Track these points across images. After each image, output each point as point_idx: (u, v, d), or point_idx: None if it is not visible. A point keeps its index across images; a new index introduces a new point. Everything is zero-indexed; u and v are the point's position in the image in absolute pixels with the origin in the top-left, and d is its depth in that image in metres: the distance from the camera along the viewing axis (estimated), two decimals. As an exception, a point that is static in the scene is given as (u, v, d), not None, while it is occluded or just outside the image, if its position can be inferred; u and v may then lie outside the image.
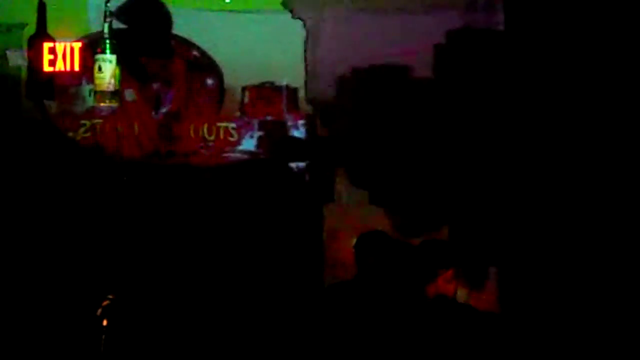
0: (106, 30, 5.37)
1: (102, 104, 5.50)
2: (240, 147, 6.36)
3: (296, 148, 6.34)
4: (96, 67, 5.42)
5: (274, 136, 6.35)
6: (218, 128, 6.37)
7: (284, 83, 6.36)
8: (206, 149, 6.35)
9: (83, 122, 6.37)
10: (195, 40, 6.44)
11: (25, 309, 5.92)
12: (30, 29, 6.15)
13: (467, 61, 6.27)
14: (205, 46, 6.43)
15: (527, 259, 6.01)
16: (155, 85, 6.42)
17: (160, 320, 5.85)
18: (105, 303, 5.11)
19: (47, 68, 6.04)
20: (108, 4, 5.29)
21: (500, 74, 6.17)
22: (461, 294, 5.61)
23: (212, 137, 6.36)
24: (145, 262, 6.09)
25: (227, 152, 6.35)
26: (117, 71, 5.39)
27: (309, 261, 6.17)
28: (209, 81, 6.44)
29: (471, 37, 6.29)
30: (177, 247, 6.19)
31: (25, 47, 6.17)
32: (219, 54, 6.42)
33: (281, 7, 6.38)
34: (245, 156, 6.34)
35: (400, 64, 6.35)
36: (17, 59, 6.35)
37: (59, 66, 6.05)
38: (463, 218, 6.22)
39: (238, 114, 6.38)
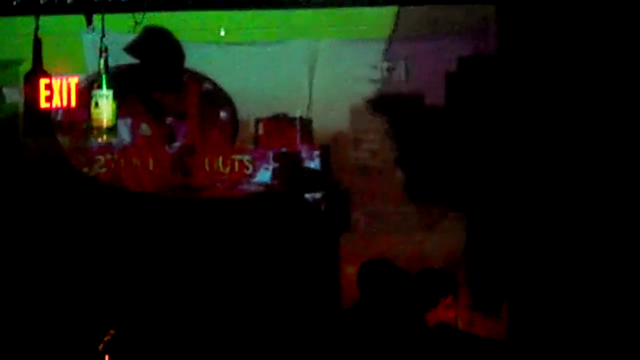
0: (102, 66, 5.34)
1: (99, 140, 5.47)
2: (256, 180, 6.35)
3: (311, 179, 6.33)
4: (93, 102, 5.37)
5: (289, 168, 6.35)
6: (233, 161, 6.36)
7: (298, 114, 6.37)
8: (221, 182, 6.34)
9: (98, 157, 6.38)
10: (208, 73, 6.46)
11: (29, 343, 5.91)
12: (27, 65, 6.09)
13: (471, 86, 6.28)
14: (217, 79, 6.45)
15: (538, 288, 5.98)
16: (169, 120, 6.43)
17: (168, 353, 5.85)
18: (107, 338, 5.09)
19: (43, 104, 6.00)
20: (103, 40, 5.28)
21: (498, 96, 6.17)
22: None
23: (227, 170, 6.35)
24: (164, 294, 6.09)
25: (242, 184, 6.34)
26: (114, 107, 5.35)
27: (326, 290, 6.14)
28: (223, 114, 6.44)
29: (471, 63, 6.30)
30: (194, 280, 6.18)
31: (21, 83, 6.11)
32: (232, 86, 6.43)
33: (293, 37, 6.40)
34: (261, 188, 6.34)
35: (411, 91, 6.37)
36: (14, 95, 6.37)
37: (56, 102, 6.02)
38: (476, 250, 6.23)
39: (252, 146, 6.39)
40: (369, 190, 6.38)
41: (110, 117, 5.25)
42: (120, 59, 6.22)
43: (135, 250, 6.21)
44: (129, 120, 6.38)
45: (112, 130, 5.25)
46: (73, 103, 6.05)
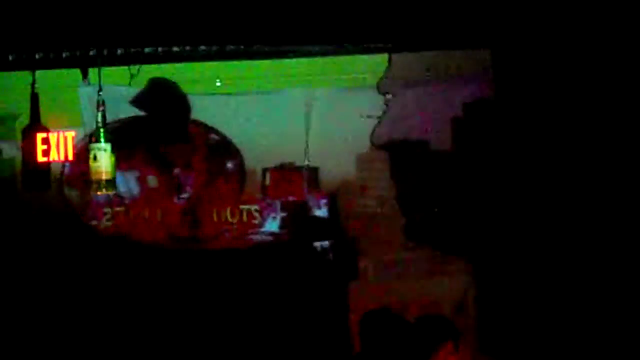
0: (99, 119, 5.36)
1: (98, 193, 5.48)
2: (264, 229, 6.37)
3: (319, 227, 6.34)
4: (91, 156, 5.40)
5: (297, 216, 6.36)
6: (241, 211, 6.38)
7: (305, 163, 6.39)
8: (230, 232, 6.35)
9: (106, 210, 6.40)
10: (213, 124, 6.49)
11: None
12: (24, 120, 6.13)
13: (472, 130, 6.31)
14: (223, 130, 6.49)
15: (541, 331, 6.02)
16: (176, 171, 6.45)
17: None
18: None
19: (40, 158, 6.02)
20: (100, 93, 5.31)
21: (499, 139, 6.21)
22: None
23: (236, 220, 6.37)
24: (174, 346, 6.08)
25: (250, 234, 6.35)
26: (112, 159, 5.37)
27: (336, 339, 6.12)
28: (229, 164, 6.47)
29: (472, 107, 6.34)
30: (203, 330, 6.17)
31: (19, 138, 6.15)
32: (238, 136, 6.46)
33: (290, 86, 6.44)
34: (269, 238, 6.35)
35: (418, 136, 6.40)
36: (12, 150, 6.38)
37: (53, 156, 6.03)
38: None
39: (260, 195, 6.40)
40: (376, 237, 6.39)
41: (109, 169, 5.28)
42: (118, 111, 6.24)
43: (143, 302, 6.20)
44: (136, 172, 6.41)
45: (111, 182, 5.28)
46: (70, 157, 6.05)
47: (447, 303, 6.29)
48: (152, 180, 6.43)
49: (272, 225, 6.36)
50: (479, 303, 6.28)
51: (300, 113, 6.36)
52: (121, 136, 6.43)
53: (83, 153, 6.33)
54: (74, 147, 6.07)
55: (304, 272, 6.25)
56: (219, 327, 6.17)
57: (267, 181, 6.42)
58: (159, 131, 6.47)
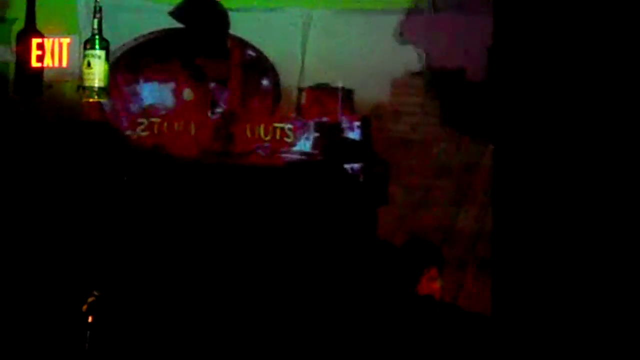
0: (95, 26, 5.35)
1: (90, 100, 5.50)
2: (296, 148, 6.39)
3: (351, 150, 6.36)
4: (85, 62, 5.39)
5: (330, 137, 6.38)
6: (274, 129, 6.40)
7: (340, 85, 6.38)
8: (262, 149, 6.39)
9: (140, 120, 6.43)
10: (251, 40, 6.47)
11: (11, 304, 5.97)
12: (19, 25, 6.09)
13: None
14: (260, 46, 6.47)
15: (522, 261, 6.04)
16: (211, 85, 6.46)
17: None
18: (90, 299, 5.11)
19: (35, 64, 6.02)
20: (97, 0, 5.31)
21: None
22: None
23: (269, 138, 6.39)
24: (201, 260, 6.14)
25: (283, 152, 6.38)
26: (106, 67, 5.38)
27: (363, 262, 6.18)
28: (265, 82, 6.47)
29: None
30: (228, 246, 6.23)
31: (13, 42, 6.14)
32: (275, 54, 6.45)
33: (334, 6, 6.41)
34: (301, 157, 6.37)
35: (457, 66, 6.38)
36: (5, 54, 6.39)
37: (47, 62, 6.06)
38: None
39: (294, 115, 6.42)
40: (407, 163, 6.41)
41: (102, 77, 5.27)
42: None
43: (172, 214, 6.26)
44: (171, 85, 6.44)
45: (103, 90, 5.29)
46: (65, 63, 6.06)
47: (471, 232, 6.33)
48: (188, 94, 6.44)
49: (304, 144, 6.39)
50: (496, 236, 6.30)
51: (339, 35, 6.35)
52: (156, 48, 6.48)
53: (120, 63, 6.40)
54: (69, 54, 6.08)
55: (334, 193, 6.29)
56: (247, 241, 6.22)
57: (302, 100, 6.42)
58: (197, 45, 6.47)
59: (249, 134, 6.40)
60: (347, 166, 6.36)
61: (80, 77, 5.23)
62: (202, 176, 6.28)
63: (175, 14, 6.42)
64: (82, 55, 5.29)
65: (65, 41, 6.16)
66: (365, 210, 6.27)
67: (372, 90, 6.39)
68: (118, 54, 6.40)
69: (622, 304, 5.85)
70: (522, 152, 6.16)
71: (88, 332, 4.95)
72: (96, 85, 5.22)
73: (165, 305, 5.98)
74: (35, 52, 5.95)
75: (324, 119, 6.39)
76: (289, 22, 6.42)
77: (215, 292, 6.09)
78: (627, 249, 5.94)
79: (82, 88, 5.29)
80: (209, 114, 6.43)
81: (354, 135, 6.39)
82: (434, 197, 6.38)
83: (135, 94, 6.45)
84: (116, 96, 6.41)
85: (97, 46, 5.32)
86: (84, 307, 5.02)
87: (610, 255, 5.93)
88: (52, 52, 6.13)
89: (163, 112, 6.41)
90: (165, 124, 6.41)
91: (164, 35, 6.47)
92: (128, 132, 6.41)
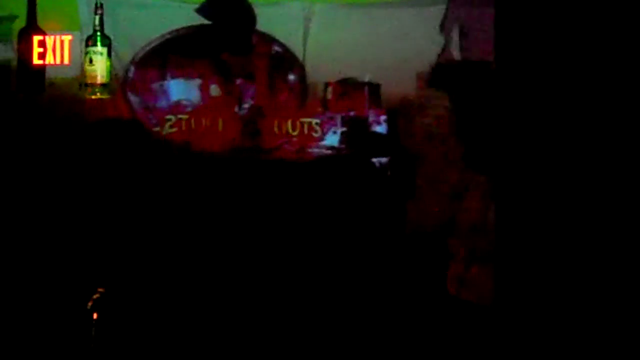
0: (97, 22, 5.39)
1: (92, 97, 5.53)
2: (324, 143, 6.42)
3: (378, 144, 6.39)
4: (87, 59, 5.45)
5: (357, 132, 6.41)
6: (302, 124, 6.43)
7: (367, 79, 6.41)
8: (290, 144, 6.42)
9: (169, 117, 6.47)
10: (276, 35, 6.50)
11: (15, 301, 5.97)
12: (21, 22, 6.14)
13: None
14: (286, 41, 6.50)
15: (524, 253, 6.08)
16: (238, 81, 6.49)
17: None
18: (95, 296, 5.12)
19: (36, 61, 6.05)
20: None
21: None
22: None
23: (296, 133, 6.42)
24: (226, 255, 6.18)
25: (310, 147, 6.42)
26: (108, 63, 5.40)
27: (390, 258, 6.22)
28: (291, 77, 6.50)
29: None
30: (256, 241, 6.26)
31: (15, 39, 6.17)
32: (301, 49, 6.48)
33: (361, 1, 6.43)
34: (329, 152, 6.41)
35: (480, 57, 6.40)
36: (7, 52, 6.38)
37: (49, 59, 6.06)
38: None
39: (321, 109, 6.44)
40: (433, 157, 6.43)
41: (105, 74, 5.37)
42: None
43: (200, 209, 6.30)
44: (198, 81, 6.47)
45: (105, 87, 5.36)
46: (67, 60, 6.09)
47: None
48: (215, 90, 6.48)
49: (332, 139, 6.42)
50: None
51: (365, 28, 6.37)
52: (182, 44, 6.51)
53: (147, 59, 6.44)
54: (70, 51, 6.10)
55: (361, 187, 6.32)
56: (275, 236, 6.26)
57: (329, 95, 6.45)
58: (223, 40, 6.50)
59: (276, 129, 6.43)
60: (374, 160, 6.39)
61: (83, 75, 5.30)
62: (231, 172, 6.32)
63: (201, 10, 6.45)
64: (84, 53, 5.35)
65: (67, 38, 6.12)
66: (393, 205, 6.31)
67: (397, 84, 6.42)
68: (145, 51, 6.46)
69: (623, 297, 5.87)
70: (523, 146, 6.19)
71: (93, 329, 4.98)
72: (99, 82, 5.29)
73: (175, 302, 6.00)
74: (36, 50, 5.99)
75: (351, 113, 6.42)
76: (316, 16, 6.45)
77: (238, 287, 6.13)
78: (629, 242, 5.95)
79: (84, 85, 5.34)
80: (237, 109, 6.47)
81: (381, 129, 6.41)
82: (460, 191, 6.40)
83: (163, 91, 6.49)
84: (144, 93, 6.46)
85: (98, 43, 5.39)
86: (89, 304, 5.06)
87: (613, 249, 5.95)
88: (54, 50, 6.10)
89: (190, 109, 6.45)
90: (193, 121, 6.45)
91: (190, 32, 6.50)
92: (156, 129, 6.45)
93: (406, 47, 6.38)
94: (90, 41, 5.43)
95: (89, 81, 5.44)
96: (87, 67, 5.44)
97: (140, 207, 6.21)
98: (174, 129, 6.45)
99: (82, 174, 6.25)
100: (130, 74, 6.45)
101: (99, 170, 6.26)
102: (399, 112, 6.41)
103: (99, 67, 5.41)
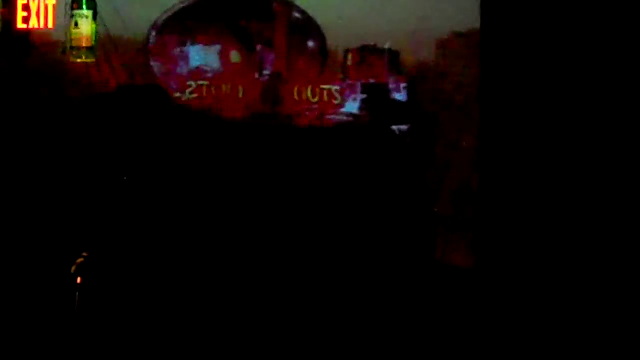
0: None
1: (78, 60, 5.51)
2: (344, 110, 6.44)
3: (398, 111, 6.41)
4: (72, 22, 5.42)
5: (377, 99, 6.42)
6: (322, 90, 6.45)
7: (386, 46, 6.41)
8: (310, 111, 6.44)
9: (189, 83, 6.48)
10: (296, 1, 6.50)
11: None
12: None
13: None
14: (306, 8, 6.50)
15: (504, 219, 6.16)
16: (258, 48, 6.50)
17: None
18: (79, 260, 5.14)
19: (20, 25, 6.03)
20: None
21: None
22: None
23: (316, 100, 6.44)
24: (251, 221, 6.22)
25: (330, 114, 6.44)
26: (94, 27, 5.38)
27: (412, 223, 6.26)
28: (311, 43, 6.51)
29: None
30: (278, 204, 6.30)
31: None
32: (321, 15, 6.48)
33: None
34: (349, 119, 6.43)
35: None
36: None
37: (33, 23, 6.05)
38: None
39: (341, 76, 6.46)
40: (453, 124, 6.45)
41: (90, 37, 5.33)
42: None
43: (220, 175, 6.33)
44: (218, 47, 6.48)
45: (91, 50, 5.33)
46: (50, 24, 6.07)
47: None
48: (235, 56, 6.49)
49: (352, 106, 6.44)
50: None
51: None
52: (202, 10, 6.52)
53: (168, 25, 6.45)
54: (55, 15, 6.09)
55: (381, 154, 6.35)
56: (294, 201, 6.30)
57: (349, 62, 6.46)
58: (242, 6, 6.50)
59: (296, 96, 6.45)
60: (394, 128, 6.41)
61: (68, 38, 5.29)
62: (251, 138, 6.35)
63: (221, -25, 6.46)
64: (69, 15, 5.33)
65: (51, 2, 6.12)
66: (413, 172, 6.34)
67: (417, 51, 6.43)
68: (165, 17, 6.47)
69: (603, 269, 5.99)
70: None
71: (77, 293, 5.01)
72: (84, 45, 5.26)
73: (168, 274, 6.00)
74: (20, 14, 5.97)
75: (371, 81, 6.44)
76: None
77: (251, 254, 6.17)
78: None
79: (70, 48, 5.33)
80: (257, 76, 6.49)
81: (401, 96, 6.43)
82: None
83: (183, 57, 6.50)
84: (164, 59, 6.48)
85: (84, 6, 5.35)
86: (73, 268, 5.08)
87: (593, 218, 6.05)
88: (38, 13, 6.10)
89: (211, 75, 6.47)
90: (214, 86, 6.47)
91: (211, -1, 6.52)
92: (177, 95, 6.47)
93: (426, 14, 6.39)
94: (75, 4, 5.40)
95: (74, 44, 5.40)
96: (73, 30, 5.40)
97: (158, 172, 6.25)
98: (195, 95, 6.48)
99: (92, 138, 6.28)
100: (151, 39, 6.47)
101: (119, 131, 6.30)
102: (418, 79, 6.43)
103: (84, 30, 5.37)
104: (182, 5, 6.49)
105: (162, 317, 5.76)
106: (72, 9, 5.40)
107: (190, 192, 6.15)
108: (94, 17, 5.36)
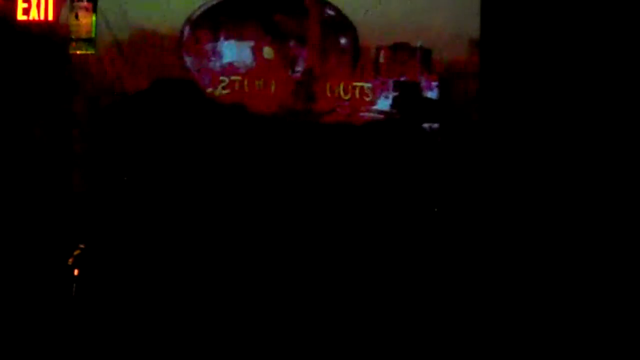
0: None
1: (78, 52, 5.50)
2: (375, 107, 6.47)
3: (429, 109, 6.43)
4: (73, 14, 5.42)
5: (408, 96, 6.44)
6: (354, 87, 6.47)
7: (419, 44, 6.43)
8: (342, 108, 6.47)
9: (222, 78, 6.52)
10: (330, -1, 6.55)
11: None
12: None
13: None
14: (339, 5, 6.52)
15: None
16: (291, 44, 6.53)
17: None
18: (76, 252, 5.15)
19: (20, 17, 6.05)
20: None
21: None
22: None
23: (348, 97, 6.47)
24: (283, 215, 6.26)
25: (362, 111, 6.46)
26: (94, 19, 5.37)
27: (440, 219, 6.29)
28: (343, 40, 6.53)
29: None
30: (310, 200, 6.33)
31: None
32: (353, 12, 6.50)
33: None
34: (380, 116, 6.45)
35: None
36: None
37: (33, 14, 6.06)
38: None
39: (373, 74, 6.48)
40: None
41: (90, 29, 5.33)
42: None
43: (251, 170, 6.36)
44: (251, 43, 6.51)
45: (91, 41, 5.33)
46: (50, 17, 6.10)
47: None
48: (268, 52, 6.52)
49: (383, 103, 6.46)
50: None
51: None
52: (235, 6, 6.55)
53: (201, 20, 6.48)
54: (55, 7, 6.09)
55: (413, 152, 6.37)
56: (325, 198, 6.33)
57: (381, 59, 6.48)
58: (276, 2, 6.53)
59: (329, 92, 6.48)
60: (425, 125, 6.43)
61: (68, 30, 5.28)
62: (283, 134, 6.38)
63: (256, -28, 6.49)
64: (69, 8, 5.32)
65: None
66: (443, 169, 6.36)
67: (448, 50, 6.45)
68: (199, 12, 6.51)
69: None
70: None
71: (74, 284, 5.02)
72: (84, 36, 5.26)
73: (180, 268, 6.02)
74: (21, 5, 5.99)
75: (403, 78, 6.46)
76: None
77: (285, 242, 6.19)
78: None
79: (70, 40, 5.33)
80: (290, 72, 6.51)
81: (432, 94, 6.45)
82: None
83: (216, 53, 6.54)
84: (198, 54, 6.52)
85: None
86: (70, 260, 5.09)
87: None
88: (38, 5, 6.09)
89: (243, 70, 6.50)
90: (246, 82, 6.50)
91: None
92: (210, 90, 6.51)
93: (458, 12, 6.40)
94: (76, -4, 5.44)
95: (74, 35, 5.41)
96: (73, 22, 5.40)
97: (191, 163, 6.28)
98: (227, 91, 6.51)
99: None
100: (185, 34, 6.51)
101: (152, 125, 6.33)
102: (450, 77, 6.45)
103: (84, 21, 5.38)
104: (215, 1, 6.53)
105: (159, 309, 5.78)
106: (72, 1, 5.40)
107: (218, 185, 6.19)
108: (94, 9, 5.37)
